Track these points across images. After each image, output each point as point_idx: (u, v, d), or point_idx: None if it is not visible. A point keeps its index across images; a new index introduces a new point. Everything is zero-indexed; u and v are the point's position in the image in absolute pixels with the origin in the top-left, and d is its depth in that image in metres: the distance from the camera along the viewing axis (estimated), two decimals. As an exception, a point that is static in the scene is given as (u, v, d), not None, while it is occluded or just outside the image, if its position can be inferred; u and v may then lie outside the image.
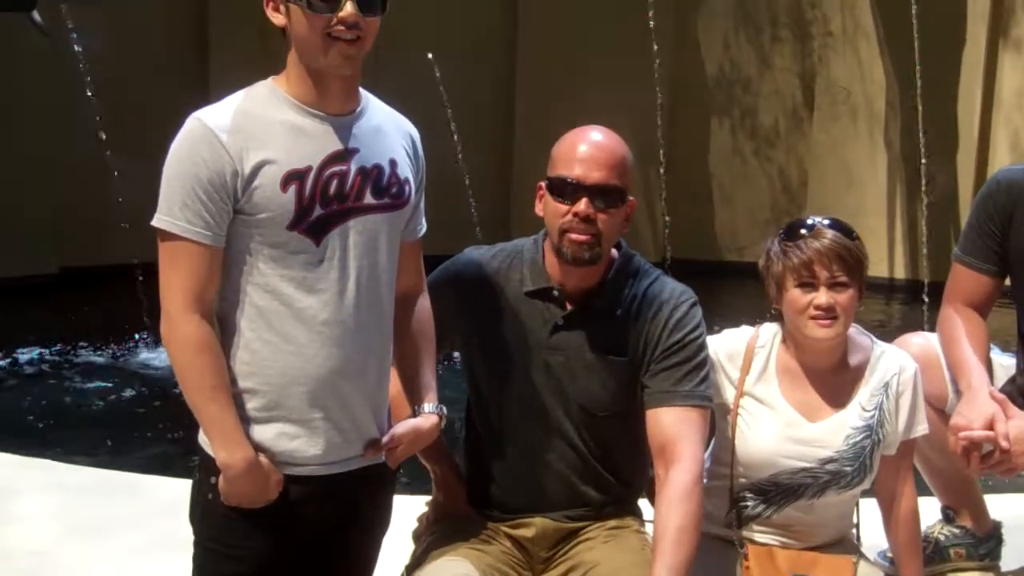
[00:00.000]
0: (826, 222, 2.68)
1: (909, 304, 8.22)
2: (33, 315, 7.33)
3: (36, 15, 6.81)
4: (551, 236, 2.57)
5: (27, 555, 3.53)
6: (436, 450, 2.65)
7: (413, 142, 2.44)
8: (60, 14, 7.21)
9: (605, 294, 2.61)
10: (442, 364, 2.58)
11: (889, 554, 2.95)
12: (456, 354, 2.74)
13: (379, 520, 2.49)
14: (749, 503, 2.74)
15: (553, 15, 8.87)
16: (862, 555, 2.81)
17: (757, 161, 9.31)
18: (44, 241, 8.10)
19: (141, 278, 6.46)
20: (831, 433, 2.70)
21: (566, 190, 2.51)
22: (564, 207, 2.51)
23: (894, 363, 2.74)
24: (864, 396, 2.72)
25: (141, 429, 5.52)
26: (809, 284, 2.63)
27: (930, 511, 3.19)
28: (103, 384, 6.24)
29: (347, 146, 2.28)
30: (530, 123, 8.65)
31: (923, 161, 7.82)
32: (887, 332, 3.08)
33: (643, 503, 2.76)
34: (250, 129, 2.22)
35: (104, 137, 7.25)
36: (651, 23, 8.09)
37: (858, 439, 2.70)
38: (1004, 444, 2.73)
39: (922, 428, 2.77)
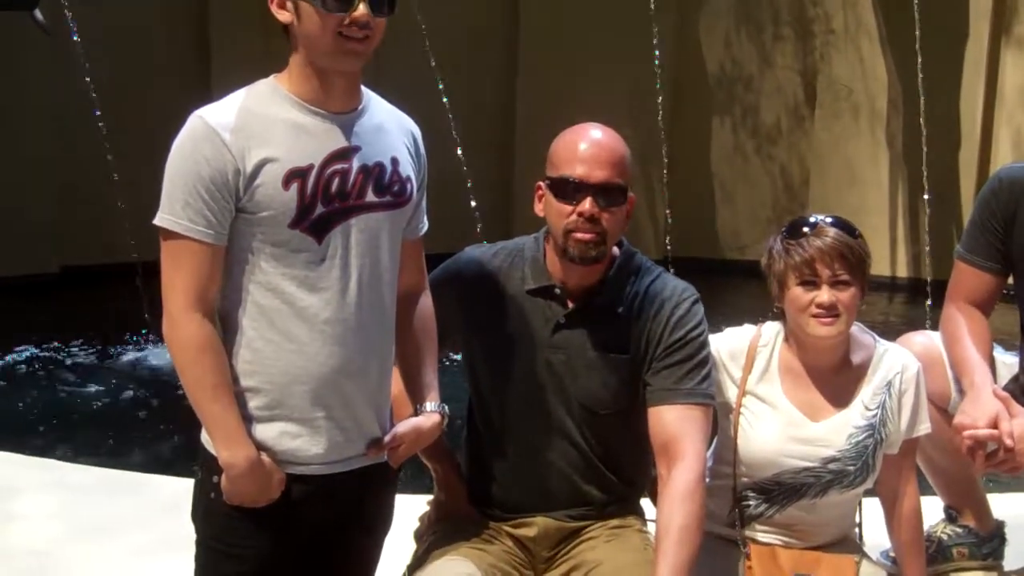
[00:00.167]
0: (828, 220, 2.67)
1: (911, 303, 8.22)
2: (34, 314, 7.33)
3: (38, 14, 6.80)
4: (555, 236, 2.56)
5: (29, 555, 3.53)
6: (438, 449, 2.64)
7: (415, 140, 2.44)
8: (61, 14, 7.21)
9: (607, 292, 2.60)
10: (443, 363, 2.58)
11: (892, 553, 2.94)
12: (457, 354, 2.74)
13: (381, 519, 2.48)
14: (752, 502, 2.74)
15: (553, 14, 8.87)
16: (864, 554, 2.80)
17: (759, 159, 9.29)
18: (45, 240, 8.10)
19: (142, 277, 6.47)
20: (834, 432, 2.70)
21: (569, 190, 2.50)
22: (568, 207, 2.50)
23: (897, 362, 2.74)
24: (867, 395, 2.72)
25: (143, 428, 5.53)
26: (811, 282, 2.62)
27: (933, 510, 3.18)
28: (104, 383, 6.24)
29: (349, 144, 2.28)
30: (531, 121, 8.64)
31: (925, 159, 7.82)
32: (889, 331, 3.06)
33: (645, 503, 2.76)
34: (252, 127, 2.22)
35: (105, 136, 7.25)
36: (652, 22, 8.08)
37: (861, 438, 2.70)
38: (1008, 442, 2.72)
39: (925, 427, 2.77)
